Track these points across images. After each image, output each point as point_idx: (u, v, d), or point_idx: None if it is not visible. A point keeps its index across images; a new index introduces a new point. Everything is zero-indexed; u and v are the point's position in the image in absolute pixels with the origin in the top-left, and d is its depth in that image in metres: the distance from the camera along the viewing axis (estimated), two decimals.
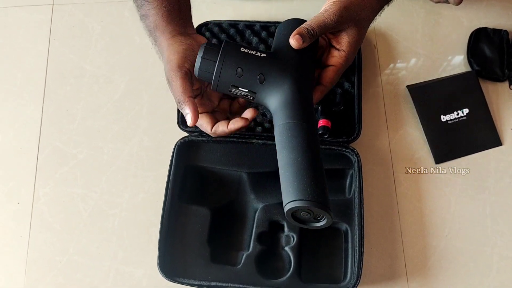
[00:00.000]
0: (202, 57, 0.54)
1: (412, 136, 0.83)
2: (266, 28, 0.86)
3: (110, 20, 0.93)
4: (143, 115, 0.86)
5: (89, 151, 0.83)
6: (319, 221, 0.53)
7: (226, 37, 0.85)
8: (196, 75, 0.55)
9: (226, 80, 0.54)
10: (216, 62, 0.53)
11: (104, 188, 0.81)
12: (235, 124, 0.57)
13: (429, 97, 0.83)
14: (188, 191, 0.77)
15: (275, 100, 0.54)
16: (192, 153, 0.77)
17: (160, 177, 0.80)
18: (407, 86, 0.85)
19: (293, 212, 0.51)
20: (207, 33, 0.86)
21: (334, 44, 0.58)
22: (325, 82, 0.57)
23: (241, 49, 0.54)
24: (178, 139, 0.77)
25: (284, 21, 0.60)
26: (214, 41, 0.85)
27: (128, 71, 0.89)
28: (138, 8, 0.60)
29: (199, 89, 0.59)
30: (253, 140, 0.77)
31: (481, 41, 0.87)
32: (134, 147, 0.83)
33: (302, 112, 0.53)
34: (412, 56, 0.89)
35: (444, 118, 0.82)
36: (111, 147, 0.84)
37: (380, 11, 0.60)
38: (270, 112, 0.60)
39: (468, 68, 0.86)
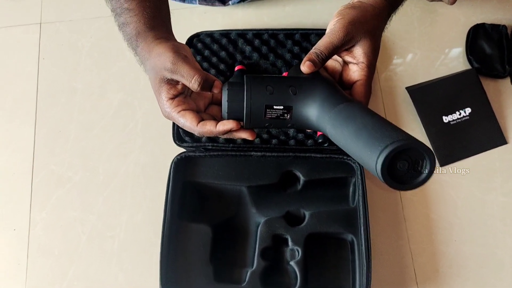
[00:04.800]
0: (228, 89, 0.53)
1: None
2: (259, 36, 0.84)
3: (100, 36, 0.91)
4: (138, 132, 0.84)
5: (85, 172, 0.81)
6: (420, 172, 0.44)
7: (218, 47, 0.83)
8: (225, 112, 0.53)
9: (259, 101, 0.52)
10: (244, 90, 0.52)
11: (102, 210, 0.79)
12: (225, 125, 0.53)
13: (430, 98, 0.81)
14: (188, 208, 0.75)
15: (314, 104, 0.52)
16: (189, 169, 0.76)
17: (158, 196, 0.78)
18: (407, 88, 0.83)
19: (389, 165, 0.42)
20: (199, 45, 0.83)
21: (351, 60, 0.56)
22: (360, 98, 0.55)
23: (263, 75, 0.54)
24: (175, 156, 0.75)
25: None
26: (206, 52, 0.83)
27: (120, 87, 0.87)
28: (116, 17, 0.57)
29: (182, 89, 0.56)
30: (252, 153, 0.75)
31: (479, 38, 0.85)
32: (130, 166, 0.82)
33: (346, 96, 0.52)
34: (409, 57, 0.87)
35: (446, 119, 0.80)
36: (106, 167, 0.82)
37: (389, 19, 0.58)
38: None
39: (468, 66, 0.84)
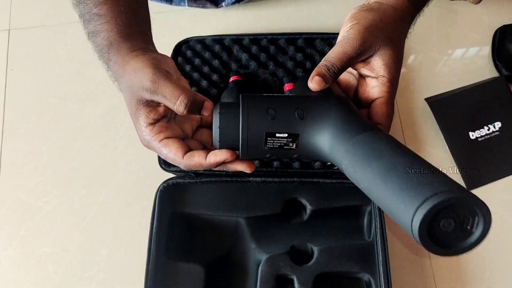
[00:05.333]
0: (220, 112, 0.44)
1: (437, 158, 0.71)
2: (257, 41, 0.74)
3: (76, 44, 0.81)
4: (119, 153, 0.73)
5: (58, 201, 0.71)
6: (470, 232, 0.33)
7: (210, 55, 0.73)
8: (217, 141, 0.44)
9: (258, 128, 0.43)
10: (239, 113, 0.43)
11: (78, 245, 0.69)
12: (217, 156, 0.44)
13: (453, 111, 0.72)
14: (176, 244, 0.65)
15: (326, 132, 0.43)
16: (178, 198, 0.66)
17: (143, 228, 0.68)
18: (426, 99, 0.73)
19: (430, 224, 0.32)
20: (189, 52, 0.74)
21: (369, 73, 0.47)
22: (380, 119, 0.47)
23: (262, 94, 0.45)
24: (161, 183, 0.65)
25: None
26: (197, 61, 0.73)
27: (99, 101, 0.77)
28: (85, 24, 0.48)
29: (165, 112, 0.47)
30: (250, 178, 0.65)
31: (507, 41, 0.75)
32: (111, 193, 0.71)
33: (366, 122, 0.43)
34: (427, 63, 0.77)
35: (473, 135, 0.70)
36: (83, 195, 0.71)
37: (413, 23, 0.50)
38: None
39: (496, 74, 0.74)
